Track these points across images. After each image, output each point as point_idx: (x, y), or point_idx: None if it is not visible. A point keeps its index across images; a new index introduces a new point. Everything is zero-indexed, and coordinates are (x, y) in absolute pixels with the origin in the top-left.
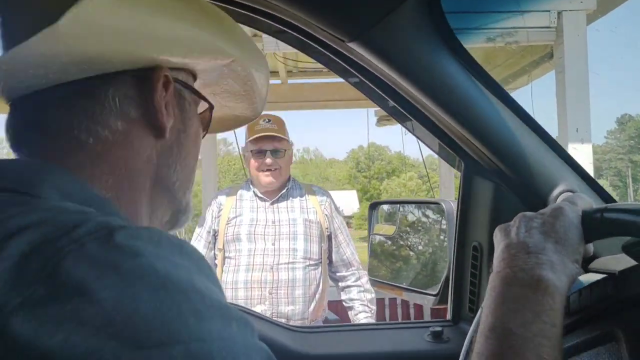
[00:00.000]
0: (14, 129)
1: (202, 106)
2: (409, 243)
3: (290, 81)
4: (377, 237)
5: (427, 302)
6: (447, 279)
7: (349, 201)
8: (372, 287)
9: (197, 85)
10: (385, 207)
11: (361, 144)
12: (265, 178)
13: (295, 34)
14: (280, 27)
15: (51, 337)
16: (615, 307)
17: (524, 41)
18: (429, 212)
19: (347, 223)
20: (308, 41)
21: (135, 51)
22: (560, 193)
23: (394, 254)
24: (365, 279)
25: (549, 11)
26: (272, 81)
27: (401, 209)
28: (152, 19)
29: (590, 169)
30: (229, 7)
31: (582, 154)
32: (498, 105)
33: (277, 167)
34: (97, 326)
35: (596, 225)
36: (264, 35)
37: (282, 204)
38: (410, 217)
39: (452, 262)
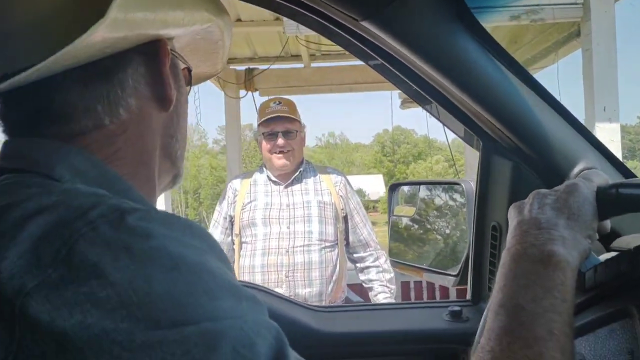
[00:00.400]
0: (16, 117)
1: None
2: (429, 224)
3: (313, 64)
4: (398, 219)
5: (448, 282)
6: (467, 259)
7: (375, 185)
8: (393, 268)
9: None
10: (405, 188)
11: (386, 127)
12: (278, 160)
13: (310, 14)
14: (295, 8)
15: (66, 319)
16: (630, 283)
17: (550, 18)
18: (449, 193)
19: (374, 207)
20: (323, 22)
21: (151, 30)
22: (581, 171)
23: (415, 235)
24: (383, 259)
25: None
26: (295, 65)
27: (421, 190)
28: (159, 1)
29: (618, 149)
30: None
31: (610, 133)
32: (517, 83)
33: (289, 149)
34: (111, 308)
35: (611, 201)
36: (285, 19)
37: (296, 187)
38: (430, 198)
39: (471, 242)
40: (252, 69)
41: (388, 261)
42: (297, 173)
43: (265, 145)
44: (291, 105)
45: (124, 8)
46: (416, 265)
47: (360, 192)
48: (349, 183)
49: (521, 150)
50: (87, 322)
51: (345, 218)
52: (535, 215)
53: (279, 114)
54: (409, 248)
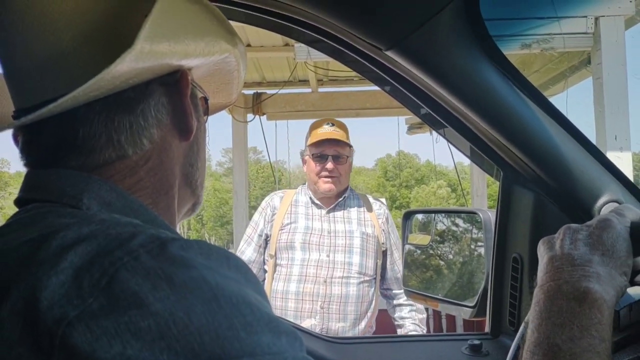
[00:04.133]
0: (38, 149)
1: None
2: (445, 253)
3: (320, 89)
4: (412, 247)
5: (464, 314)
6: (484, 290)
7: None
8: (408, 297)
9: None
10: (419, 216)
11: (389, 152)
12: (325, 184)
13: (331, 42)
14: (316, 36)
15: (107, 350)
16: None
17: (561, 47)
18: (465, 222)
19: None
20: (344, 49)
21: (170, 61)
22: (605, 203)
23: (429, 264)
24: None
25: (586, 17)
26: (303, 90)
27: (436, 218)
28: (190, 32)
29: (630, 178)
30: (264, 16)
31: (621, 162)
32: (538, 112)
33: (337, 175)
34: (151, 339)
35: None
36: (296, 45)
37: (339, 214)
38: (446, 227)
39: (490, 274)
40: (260, 93)
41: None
42: (341, 199)
43: (313, 166)
44: (344, 129)
45: (150, 39)
46: (431, 295)
47: None
48: (390, 216)
49: (543, 181)
50: (127, 353)
51: (385, 252)
52: (568, 251)
53: (331, 137)
54: (423, 277)
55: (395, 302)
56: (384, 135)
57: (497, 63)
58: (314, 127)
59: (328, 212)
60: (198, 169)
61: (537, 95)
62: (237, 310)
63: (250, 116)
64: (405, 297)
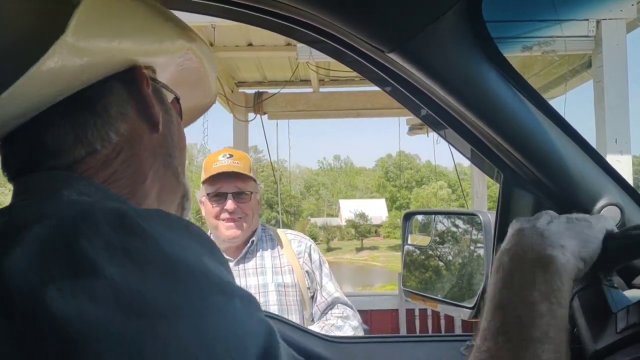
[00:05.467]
0: (15, 160)
1: (169, 98)
2: (444, 254)
3: (322, 89)
4: (412, 248)
5: (464, 315)
6: (484, 291)
7: (377, 210)
8: (406, 298)
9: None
10: (419, 217)
11: (390, 152)
12: (227, 230)
13: (333, 43)
14: (317, 37)
15: (66, 311)
16: None
17: (562, 50)
18: (465, 224)
19: (376, 231)
20: (345, 50)
21: (120, 57)
22: (604, 206)
23: (429, 265)
24: (352, 314)
25: (587, 20)
26: (304, 90)
27: (436, 219)
28: (130, 28)
29: (630, 181)
30: (267, 17)
31: (622, 166)
32: (538, 115)
33: (240, 216)
34: (106, 299)
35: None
36: (299, 45)
37: (250, 264)
38: (445, 228)
39: (489, 275)
40: (261, 93)
41: (357, 317)
42: (251, 245)
43: (210, 208)
44: (245, 160)
45: (79, 35)
46: (430, 296)
47: (362, 216)
48: (315, 250)
49: (543, 184)
50: (85, 310)
51: (314, 295)
52: (540, 226)
53: (228, 169)
54: (423, 278)
55: (324, 321)
56: (384, 136)
57: (497, 65)
58: (208, 161)
59: (237, 264)
60: (176, 158)
61: (537, 98)
62: (192, 277)
63: (251, 115)
64: (337, 313)
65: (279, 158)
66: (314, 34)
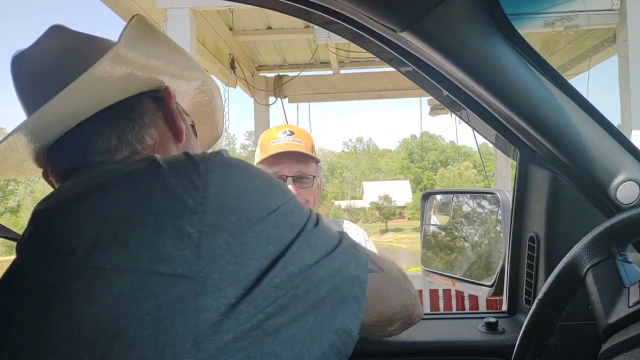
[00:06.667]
0: (63, 164)
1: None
2: (463, 233)
3: (342, 71)
4: (431, 228)
5: (482, 293)
6: (502, 269)
7: (401, 191)
8: (426, 277)
9: None
10: (438, 197)
11: (413, 133)
12: None
13: (346, 24)
14: (331, 18)
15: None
16: None
17: (585, 25)
18: (484, 202)
19: (400, 213)
20: (359, 31)
21: (152, 74)
22: (621, 182)
23: (448, 244)
24: None
25: None
26: (324, 72)
27: (455, 199)
28: (162, 52)
29: None
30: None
31: None
32: (555, 92)
33: (301, 202)
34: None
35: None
36: (316, 27)
37: None
38: (464, 207)
39: (507, 253)
40: (282, 76)
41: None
42: None
43: None
44: (307, 139)
45: (126, 48)
46: (449, 274)
47: (387, 198)
48: (369, 240)
49: (559, 160)
50: None
51: None
52: None
53: (290, 149)
54: (442, 257)
55: None
56: (407, 117)
57: (513, 42)
58: (265, 137)
59: None
60: None
61: (553, 74)
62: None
63: (272, 99)
64: None
65: None
66: (327, 16)
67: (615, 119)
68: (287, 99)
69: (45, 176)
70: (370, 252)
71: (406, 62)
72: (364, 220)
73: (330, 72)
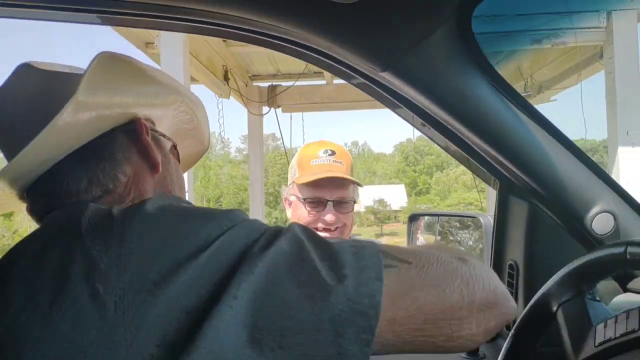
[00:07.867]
0: (40, 206)
1: (168, 145)
2: None
3: (335, 81)
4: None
5: None
6: None
7: (397, 195)
8: None
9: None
10: (425, 218)
11: (409, 137)
12: None
13: (331, 62)
14: (314, 55)
15: None
16: None
17: (572, 42)
18: (468, 225)
19: (395, 217)
20: (352, 73)
21: (122, 111)
22: (597, 213)
23: None
24: None
25: (598, 11)
26: (318, 82)
27: (440, 220)
28: (131, 87)
29: None
30: (265, 38)
31: (633, 158)
32: (530, 125)
33: (339, 225)
34: None
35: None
36: None
37: None
38: (449, 229)
39: None
40: (275, 86)
41: None
42: None
43: (305, 214)
44: (347, 158)
45: (87, 94)
46: None
47: (382, 202)
48: None
49: (537, 192)
50: None
51: None
52: None
53: (333, 175)
54: None
55: None
56: (402, 121)
57: (489, 77)
58: (304, 155)
59: None
60: (175, 192)
61: (528, 108)
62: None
63: (265, 109)
64: None
65: (294, 145)
66: (312, 54)
67: (603, 135)
68: (280, 108)
69: (29, 212)
70: (389, 246)
71: (390, 97)
72: (359, 225)
73: (324, 82)
